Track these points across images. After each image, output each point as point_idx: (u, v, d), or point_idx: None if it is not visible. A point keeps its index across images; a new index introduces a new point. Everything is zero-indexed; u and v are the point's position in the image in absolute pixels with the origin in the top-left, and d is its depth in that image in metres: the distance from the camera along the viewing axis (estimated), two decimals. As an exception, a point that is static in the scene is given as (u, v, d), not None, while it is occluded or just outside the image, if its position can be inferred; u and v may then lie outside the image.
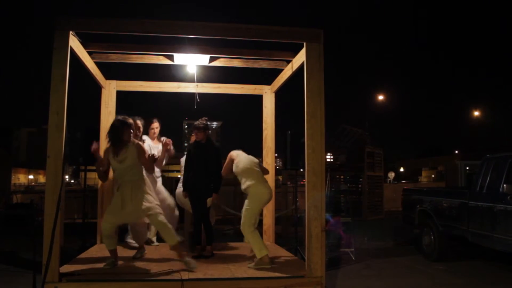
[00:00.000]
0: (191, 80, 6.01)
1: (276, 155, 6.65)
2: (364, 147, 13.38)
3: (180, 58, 5.17)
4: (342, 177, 13.71)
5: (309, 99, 3.88)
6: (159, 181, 5.46)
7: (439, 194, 6.84)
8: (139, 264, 4.36)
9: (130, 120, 4.22)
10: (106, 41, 4.72)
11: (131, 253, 4.77)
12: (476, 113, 31.06)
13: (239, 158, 4.72)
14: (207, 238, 4.87)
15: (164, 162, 5.45)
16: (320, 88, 3.89)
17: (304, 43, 3.99)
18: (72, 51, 3.95)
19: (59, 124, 3.61)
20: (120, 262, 4.22)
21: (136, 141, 4.27)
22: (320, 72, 3.91)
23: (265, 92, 6.07)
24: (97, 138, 5.41)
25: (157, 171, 5.37)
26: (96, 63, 5.20)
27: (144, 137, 5.38)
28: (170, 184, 8.05)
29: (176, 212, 5.51)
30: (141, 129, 5.23)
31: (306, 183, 3.83)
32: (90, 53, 4.87)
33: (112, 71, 6.01)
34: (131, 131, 4.17)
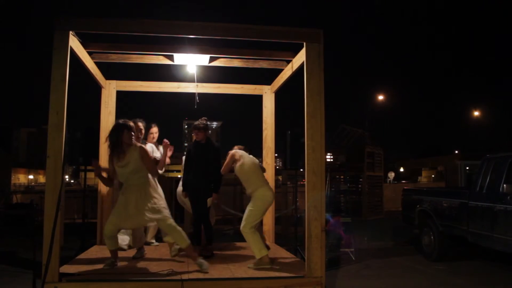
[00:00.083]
0: (191, 80, 6.01)
1: (276, 155, 6.65)
2: (364, 147, 13.38)
3: (180, 58, 5.17)
4: (342, 177, 13.72)
5: (309, 99, 3.88)
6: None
7: (439, 194, 6.84)
8: (139, 264, 4.36)
9: (131, 123, 4.13)
10: (106, 41, 4.72)
11: (131, 253, 4.77)
12: (476, 113, 31.05)
13: (244, 160, 4.62)
14: (207, 238, 4.87)
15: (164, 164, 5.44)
16: (320, 88, 3.89)
17: (304, 43, 3.99)
18: (72, 51, 3.95)
19: (59, 124, 3.60)
20: (120, 262, 4.22)
21: (139, 144, 4.17)
22: (320, 72, 3.91)
23: (265, 92, 6.08)
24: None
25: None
26: (96, 63, 5.20)
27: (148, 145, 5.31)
28: (170, 184, 8.06)
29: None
30: (143, 131, 5.17)
31: (306, 183, 3.82)
32: (90, 53, 4.88)
33: (112, 71, 6.02)
34: (133, 134, 4.07)
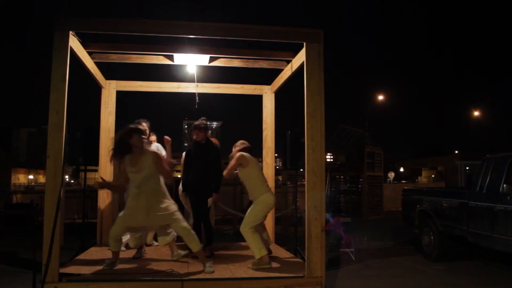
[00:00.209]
0: (191, 80, 6.01)
1: (276, 155, 6.65)
2: (364, 147, 13.39)
3: (180, 58, 5.17)
4: (342, 177, 13.73)
5: (309, 99, 3.88)
6: None
7: (439, 194, 6.84)
8: (139, 264, 4.36)
9: (141, 126, 4.04)
10: (106, 41, 4.72)
11: (131, 253, 4.77)
12: (476, 113, 31.04)
13: (252, 166, 4.52)
14: (207, 238, 4.87)
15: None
16: (320, 88, 3.89)
17: (304, 43, 4.00)
18: (72, 51, 3.95)
19: (59, 124, 3.61)
20: (120, 262, 4.22)
21: (152, 149, 4.11)
22: (320, 72, 3.91)
23: (265, 92, 6.08)
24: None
25: None
26: (96, 63, 5.20)
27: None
28: (169, 184, 8.05)
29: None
30: (147, 132, 5.16)
31: (306, 183, 3.82)
32: (90, 53, 4.88)
33: (112, 71, 6.02)
34: (144, 137, 3.97)
